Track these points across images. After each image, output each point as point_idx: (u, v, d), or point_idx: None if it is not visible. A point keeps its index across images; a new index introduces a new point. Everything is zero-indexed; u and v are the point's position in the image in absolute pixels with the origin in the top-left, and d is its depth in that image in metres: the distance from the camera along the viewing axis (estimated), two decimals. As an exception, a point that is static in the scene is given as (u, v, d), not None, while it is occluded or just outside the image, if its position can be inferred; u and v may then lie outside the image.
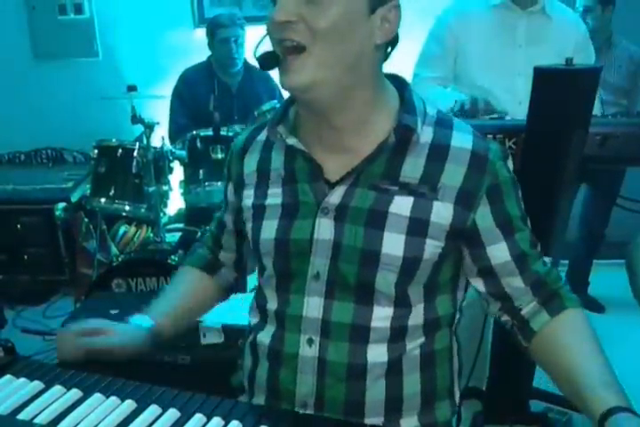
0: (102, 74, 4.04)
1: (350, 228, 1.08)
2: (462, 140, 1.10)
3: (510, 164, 1.14)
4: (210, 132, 2.93)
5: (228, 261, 1.37)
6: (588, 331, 1.10)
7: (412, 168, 1.08)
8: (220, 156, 2.91)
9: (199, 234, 3.08)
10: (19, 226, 3.49)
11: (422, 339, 1.14)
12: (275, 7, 1.01)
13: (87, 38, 4.10)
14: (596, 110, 2.20)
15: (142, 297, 2.56)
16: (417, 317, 1.13)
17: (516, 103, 2.19)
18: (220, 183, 2.89)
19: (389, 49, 1.09)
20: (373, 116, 1.09)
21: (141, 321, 1.21)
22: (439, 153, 1.09)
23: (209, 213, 3.10)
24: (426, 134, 1.09)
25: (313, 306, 1.11)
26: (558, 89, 1.63)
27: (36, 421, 0.96)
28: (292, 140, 1.12)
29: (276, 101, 3.02)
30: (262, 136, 1.21)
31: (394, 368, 1.12)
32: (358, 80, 1.05)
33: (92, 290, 2.75)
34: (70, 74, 4.10)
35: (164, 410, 0.99)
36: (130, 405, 1.00)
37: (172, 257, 2.75)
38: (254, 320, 1.23)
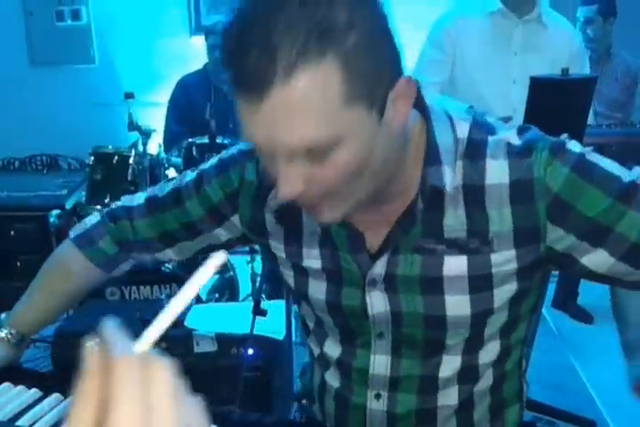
0: (99, 80, 4.06)
1: (406, 297, 0.98)
2: (497, 172, 0.90)
3: (575, 145, 0.91)
4: (206, 140, 2.92)
5: (161, 258, 1.22)
6: None
7: (454, 220, 0.92)
8: (215, 164, 2.89)
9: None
10: (12, 233, 3.46)
11: (491, 375, 1.06)
12: (277, 182, 0.82)
13: (84, 45, 4.11)
14: (590, 121, 2.22)
15: (136, 305, 2.57)
16: (489, 355, 1.04)
17: (509, 110, 2.21)
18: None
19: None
20: (405, 175, 0.91)
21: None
22: (475, 197, 0.91)
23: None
24: (457, 174, 0.91)
25: (379, 363, 1.05)
26: (554, 98, 1.64)
27: None
28: None
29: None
30: None
31: (465, 405, 1.07)
32: (390, 172, 0.88)
33: (86, 297, 2.73)
34: (67, 80, 4.11)
35: None
36: None
37: (166, 265, 2.73)
38: (316, 355, 1.16)
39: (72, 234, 1.23)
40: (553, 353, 2.79)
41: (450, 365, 1.03)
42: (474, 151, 0.91)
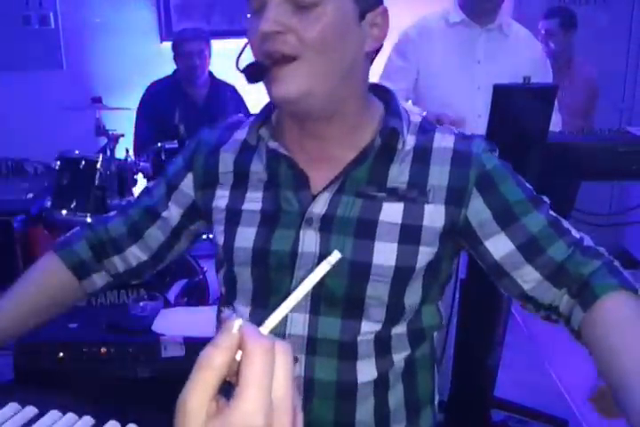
0: (67, 85, 4.02)
1: (337, 239, 1.02)
2: (444, 140, 1.06)
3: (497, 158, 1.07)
4: (175, 145, 2.92)
5: (132, 259, 1.21)
6: (626, 318, 0.92)
7: (399, 173, 1.03)
8: (184, 169, 2.89)
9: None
10: (-25, 238, 3.42)
11: (408, 351, 1.08)
12: (260, 17, 0.93)
13: (52, 49, 4.07)
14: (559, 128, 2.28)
15: (103, 310, 2.54)
16: (401, 327, 1.07)
17: (475, 116, 2.27)
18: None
19: (374, 56, 1.05)
20: (360, 124, 1.04)
21: None
22: (423, 156, 1.04)
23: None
24: (410, 141, 1.05)
25: (296, 323, 1.04)
26: (516, 106, 1.67)
27: None
28: (273, 144, 1.05)
29: (242, 115, 3.02)
30: (239, 135, 1.13)
31: (381, 385, 1.07)
32: (351, 90, 1.01)
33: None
34: (34, 84, 4.07)
35: (123, 425, 0.97)
36: (87, 421, 0.98)
37: (134, 270, 2.71)
38: None
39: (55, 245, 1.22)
40: (524, 353, 2.81)
41: (368, 330, 1.04)
42: (425, 129, 1.08)
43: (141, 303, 2.33)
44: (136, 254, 1.21)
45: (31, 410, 1.00)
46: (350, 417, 1.07)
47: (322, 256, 1.01)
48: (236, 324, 0.48)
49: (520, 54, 2.41)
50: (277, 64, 0.94)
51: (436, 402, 1.17)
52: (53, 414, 0.99)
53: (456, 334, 1.92)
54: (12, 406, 1.01)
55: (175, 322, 2.25)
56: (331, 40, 0.94)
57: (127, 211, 1.22)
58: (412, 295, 1.06)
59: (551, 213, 1.05)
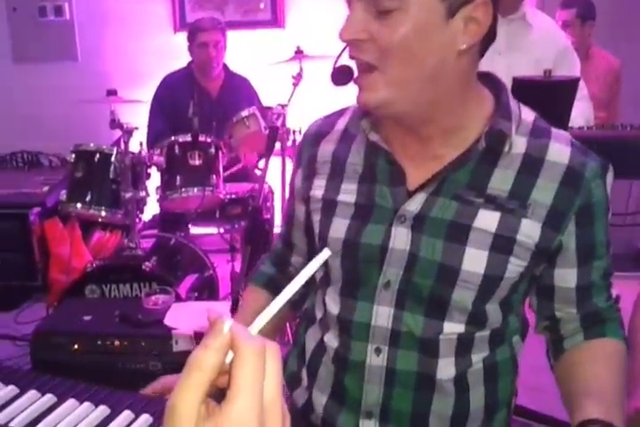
0: (81, 77, 4.01)
1: (428, 240, 1.01)
2: (559, 153, 1.00)
3: (610, 180, 1.04)
4: (188, 138, 2.90)
5: (298, 266, 1.27)
6: (614, 358, 1.04)
7: (502, 180, 0.99)
8: (197, 162, 2.88)
9: (173, 240, 3.05)
10: (-8, 230, 3.44)
11: (487, 353, 1.09)
12: (348, 16, 0.93)
13: (67, 41, 4.07)
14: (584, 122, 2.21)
15: (116, 303, 2.56)
16: (485, 330, 1.08)
17: None
18: (195, 189, 2.88)
19: (484, 47, 0.99)
20: (464, 123, 1.01)
21: None
22: (532, 166, 0.99)
23: (184, 219, 3.09)
24: (519, 145, 1.00)
25: (382, 315, 1.05)
26: (535, 99, 1.63)
27: (11, 425, 0.96)
28: (374, 137, 1.05)
29: (254, 108, 3.01)
30: (340, 125, 1.13)
31: (461, 383, 1.08)
32: (441, 92, 0.96)
33: (66, 296, 2.71)
34: (49, 77, 4.07)
35: (137, 416, 1.00)
36: (103, 410, 1.01)
37: (146, 263, 2.72)
38: (318, 318, 1.18)
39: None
40: (528, 354, 2.78)
41: (451, 331, 1.05)
42: (538, 132, 1.02)
43: (154, 297, 2.34)
44: (299, 261, 1.28)
45: (50, 398, 1.03)
46: (427, 409, 1.08)
47: (412, 255, 1.02)
48: (227, 324, 0.46)
49: (544, 45, 2.33)
50: (361, 71, 0.95)
51: (512, 406, 1.19)
52: (71, 402, 1.03)
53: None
54: (32, 394, 1.05)
55: (186, 316, 2.25)
56: (411, 47, 0.91)
57: (280, 231, 1.31)
58: (494, 304, 1.05)
59: (610, 264, 1.08)
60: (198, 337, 2.11)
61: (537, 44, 2.33)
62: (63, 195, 2.94)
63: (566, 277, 1.05)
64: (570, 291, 1.06)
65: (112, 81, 3.79)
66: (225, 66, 3.49)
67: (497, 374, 1.11)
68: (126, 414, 1.00)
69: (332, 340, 1.12)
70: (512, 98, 1.04)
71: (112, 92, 3.06)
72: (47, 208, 3.46)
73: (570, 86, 1.74)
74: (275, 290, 1.25)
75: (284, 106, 2.43)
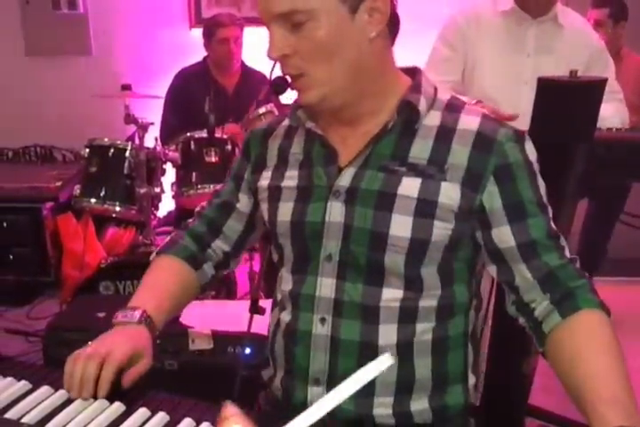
0: (95, 71, 3.99)
1: (360, 210, 1.10)
2: (469, 122, 1.11)
3: (531, 149, 1.12)
4: (204, 134, 2.89)
5: (218, 252, 1.33)
6: (602, 336, 1.02)
7: (421, 149, 1.10)
8: (213, 158, 2.87)
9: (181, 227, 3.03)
10: (4, 224, 3.41)
11: (434, 323, 1.14)
12: (268, 44, 1.06)
13: (81, 35, 4.04)
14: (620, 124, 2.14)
15: (130, 300, 2.53)
16: (430, 301, 1.13)
17: (520, 113, 2.16)
18: (212, 186, 2.86)
19: (392, 30, 1.11)
20: (384, 102, 1.13)
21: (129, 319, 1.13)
22: (446, 135, 1.10)
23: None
24: (434, 118, 1.12)
25: (325, 286, 1.14)
26: (561, 101, 1.60)
27: (24, 420, 0.95)
28: (310, 124, 1.17)
29: (271, 105, 2.98)
30: (285, 122, 1.25)
31: (405, 350, 1.13)
32: (365, 77, 1.09)
33: (79, 292, 2.70)
34: (63, 70, 4.04)
35: (153, 413, 0.98)
36: (118, 407, 0.99)
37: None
38: (278, 300, 1.25)
39: (154, 253, 1.32)
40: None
41: (390, 297, 1.12)
42: (452, 107, 1.14)
43: (170, 295, 2.31)
44: (220, 247, 1.33)
45: (63, 394, 1.02)
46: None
47: (347, 226, 1.11)
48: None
49: (576, 48, 2.24)
50: (292, 79, 1.10)
51: (470, 383, 1.22)
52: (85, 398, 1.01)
53: (491, 340, 1.87)
54: (45, 390, 1.03)
55: (203, 315, 2.24)
56: (329, 49, 1.04)
57: (201, 213, 1.34)
58: (430, 269, 1.12)
59: (553, 225, 1.12)
60: (215, 336, 2.10)
61: (568, 47, 2.25)
62: (77, 190, 2.93)
63: (503, 236, 1.10)
64: (513, 249, 1.10)
65: (126, 76, 3.75)
66: (242, 62, 3.46)
67: (447, 348, 1.16)
68: (142, 412, 0.98)
69: (285, 316, 1.20)
70: (428, 80, 1.16)
71: (127, 87, 3.05)
72: (60, 203, 3.44)
73: (597, 87, 1.70)
74: (195, 266, 1.29)
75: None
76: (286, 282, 1.21)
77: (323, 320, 1.14)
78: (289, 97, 1.22)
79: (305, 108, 1.15)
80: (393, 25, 1.10)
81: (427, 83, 1.15)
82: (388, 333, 1.12)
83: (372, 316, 1.12)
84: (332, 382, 1.15)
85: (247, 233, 1.32)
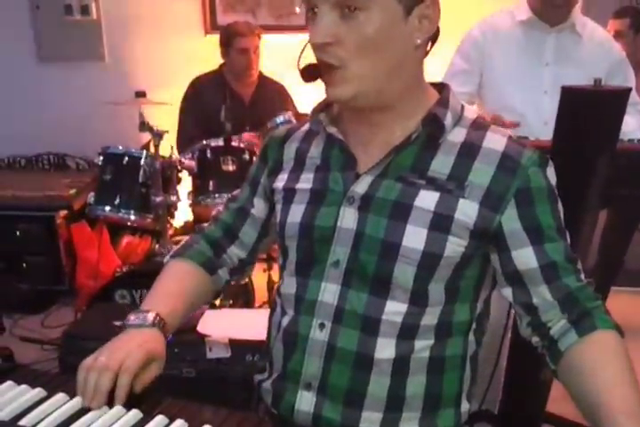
0: (109, 78, 3.98)
1: (373, 218, 1.09)
2: (495, 141, 1.10)
3: (552, 174, 1.11)
4: (221, 143, 2.88)
5: (233, 258, 1.32)
6: (618, 355, 1.03)
7: (442, 164, 1.09)
8: (230, 167, 2.86)
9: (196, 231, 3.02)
10: (18, 233, 3.40)
11: (432, 341, 1.13)
12: (313, 22, 1.03)
13: (93, 41, 4.03)
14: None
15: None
16: (431, 318, 1.12)
17: (541, 123, 2.14)
18: (229, 195, 2.82)
19: (430, 44, 1.11)
20: (410, 112, 1.11)
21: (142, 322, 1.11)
22: (470, 152, 1.09)
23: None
24: (459, 134, 1.11)
25: (329, 292, 1.13)
26: (585, 110, 1.59)
27: None
28: (331, 129, 1.15)
29: (290, 114, 2.97)
30: (305, 127, 1.25)
31: (400, 366, 1.12)
32: (401, 83, 1.08)
33: (95, 301, 2.68)
34: (76, 77, 4.03)
35: (171, 420, 0.96)
36: (136, 414, 0.97)
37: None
38: (279, 303, 1.24)
39: (168, 256, 1.32)
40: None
41: (393, 310, 1.10)
42: (478, 126, 1.13)
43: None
44: (236, 253, 1.32)
45: (79, 401, 1.00)
46: (363, 388, 1.12)
47: (358, 233, 1.10)
48: None
49: (595, 56, 2.23)
50: (325, 69, 1.05)
51: (462, 409, 1.19)
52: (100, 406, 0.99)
53: (510, 347, 1.85)
54: (61, 397, 1.00)
55: (220, 323, 2.22)
56: (376, 45, 1.02)
57: (218, 218, 1.33)
58: (437, 285, 1.10)
59: (570, 250, 1.11)
60: (233, 344, 2.08)
61: (588, 56, 2.24)
62: (91, 198, 2.92)
63: (524, 258, 1.09)
64: (535, 271, 1.09)
65: (140, 83, 3.73)
66: (259, 71, 3.45)
67: (443, 368, 1.15)
68: (159, 419, 0.96)
69: (285, 319, 1.19)
70: (455, 97, 1.14)
71: (141, 94, 3.03)
72: (74, 211, 3.43)
73: (622, 96, 1.68)
74: (210, 271, 1.29)
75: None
76: (289, 285, 1.19)
77: (322, 326, 1.13)
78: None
79: (334, 102, 1.13)
80: (434, 38, 1.10)
81: (454, 99, 1.14)
82: (385, 346, 1.11)
83: (372, 327, 1.11)
84: (323, 388, 1.14)
85: (261, 239, 1.31)
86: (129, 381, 1.00)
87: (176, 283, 1.24)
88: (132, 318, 1.11)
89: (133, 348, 1.04)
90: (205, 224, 1.35)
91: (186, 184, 3.03)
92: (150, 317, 1.10)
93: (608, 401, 0.95)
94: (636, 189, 1.99)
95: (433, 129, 1.09)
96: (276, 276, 2.83)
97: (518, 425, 2.03)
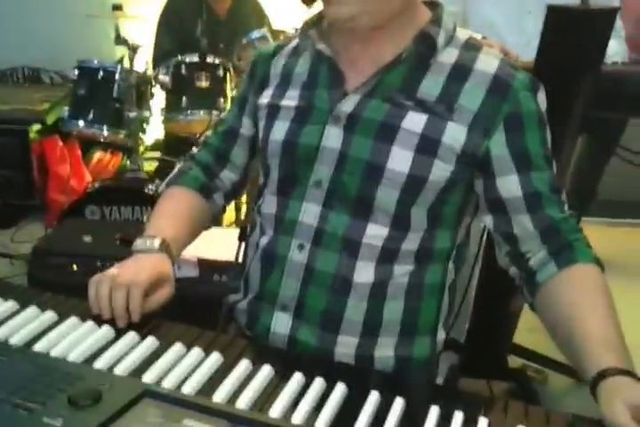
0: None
1: (359, 139, 1.07)
2: (487, 63, 1.07)
3: (543, 99, 1.09)
4: (196, 59, 2.83)
5: (226, 182, 1.31)
6: (598, 288, 1.01)
7: (431, 86, 1.06)
8: (204, 83, 2.81)
9: (181, 161, 3.00)
10: (-10, 147, 3.35)
11: (412, 267, 1.12)
12: None
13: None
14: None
15: (116, 225, 2.52)
16: (412, 243, 1.11)
17: (522, 44, 2.09)
18: (202, 112, 2.83)
19: None
20: (401, 29, 1.08)
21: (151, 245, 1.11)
22: (461, 74, 1.06)
23: (188, 143, 3.03)
24: (450, 55, 1.08)
25: (309, 213, 1.11)
26: (571, 29, 1.55)
27: (11, 341, 0.92)
28: (320, 46, 1.12)
29: (265, 30, 2.90)
30: (293, 43, 1.22)
31: (378, 291, 1.11)
32: (398, 2, 1.05)
33: (65, 216, 2.67)
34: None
35: (143, 338, 0.96)
36: (107, 331, 0.96)
37: (149, 186, 2.66)
38: (258, 222, 1.22)
39: (163, 184, 1.31)
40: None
41: (374, 234, 1.09)
42: (470, 46, 1.09)
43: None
44: (229, 177, 1.31)
45: (51, 315, 0.99)
46: (340, 311, 1.12)
47: (342, 153, 1.08)
48: None
49: None
50: None
51: (438, 338, 1.19)
52: (73, 320, 0.98)
53: (480, 277, 1.85)
54: (33, 310, 1.00)
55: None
56: None
57: (207, 142, 1.32)
58: (420, 210, 1.09)
59: (556, 180, 1.10)
60: (202, 264, 2.08)
61: None
62: (64, 112, 2.88)
63: (509, 185, 1.07)
64: (518, 199, 1.07)
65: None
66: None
67: (421, 295, 1.14)
68: (131, 336, 0.96)
69: (263, 239, 1.18)
70: (449, 15, 1.11)
71: (117, 7, 2.94)
72: (47, 126, 3.37)
73: (609, 15, 1.63)
74: (206, 196, 1.28)
75: (297, 29, 2.33)
76: (269, 205, 1.17)
77: (301, 247, 1.11)
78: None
79: (331, 22, 1.09)
80: None
81: (447, 18, 1.10)
82: (364, 270, 1.10)
83: (351, 250, 1.09)
84: (299, 310, 1.13)
85: (251, 158, 1.29)
86: (141, 294, 1.00)
87: (176, 209, 1.23)
88: (139, 243, 1.11)
89: (144, 267, 1.05)
90: (195, 150, 1.34)
91: (158, 100, 2.98)
92: (157, 242, 1.10)
93: (584, 331, 0.94)
94: (617, 113, 1.98)
95: (424, 48, 1.06)
96: (243, 196, 2.83)
97: (484, 355, 2.06)
